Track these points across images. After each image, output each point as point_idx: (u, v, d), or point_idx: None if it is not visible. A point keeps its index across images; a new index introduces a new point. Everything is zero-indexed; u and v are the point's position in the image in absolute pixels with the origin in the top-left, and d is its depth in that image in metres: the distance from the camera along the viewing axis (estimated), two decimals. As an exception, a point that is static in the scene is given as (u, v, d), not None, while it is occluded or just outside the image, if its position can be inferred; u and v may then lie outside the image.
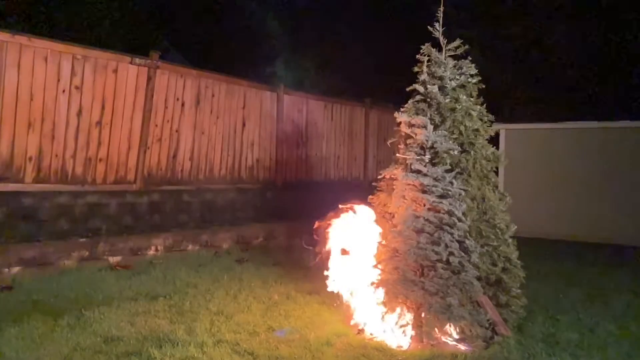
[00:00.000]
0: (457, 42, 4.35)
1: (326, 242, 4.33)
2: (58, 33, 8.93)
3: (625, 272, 6.67)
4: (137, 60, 7.04)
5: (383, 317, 3.97)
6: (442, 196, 3.90)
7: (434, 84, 4.23)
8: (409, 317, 3.90)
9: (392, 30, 14.69)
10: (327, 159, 10.39)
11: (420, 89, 4.28)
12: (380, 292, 3.99)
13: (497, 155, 4.46)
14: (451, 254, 3.79)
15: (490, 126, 4.50)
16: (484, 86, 4.46)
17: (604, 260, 7.49)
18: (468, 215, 4.05)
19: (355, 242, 4.31)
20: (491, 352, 3.73)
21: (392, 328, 3.94)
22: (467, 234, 3.94)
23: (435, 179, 3.92)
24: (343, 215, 4.37)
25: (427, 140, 4.02)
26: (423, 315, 3.83)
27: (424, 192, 3.92)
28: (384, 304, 3.96)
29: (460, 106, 4.28)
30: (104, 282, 5.46)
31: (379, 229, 4.25)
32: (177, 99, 7.59)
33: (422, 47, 4.31)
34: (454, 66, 4.35)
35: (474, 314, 3.83)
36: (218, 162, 8.24)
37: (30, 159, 6.04)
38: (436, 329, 3.81)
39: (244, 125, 8.65)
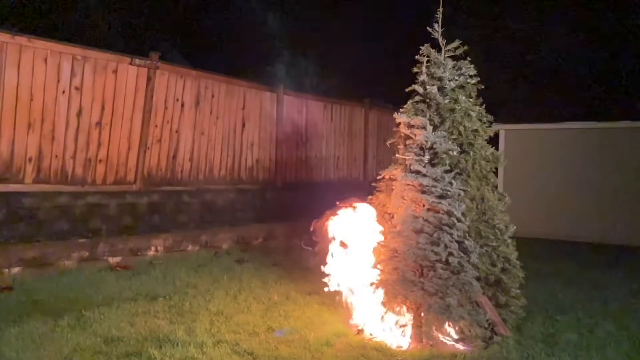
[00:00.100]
0: (456, 43, 4.36)
1: (325, 237, 4.32)
2: (58, 33, 8.92)
3: (625, 273, 6.67)
4: (137, 60, 7.04)
5: (382, 317, 3.99)
6: (441, 196, 3.90)
7: (433, 85, 4.24)
8: (408, 317, 3.91)
9: (392, 30, 14.69)
10: (326, 159, 10.39)
11: (420, 89, 4.29)
12: (380, 292, 4.00)
13: (496, 156, 4.46)
14: (450, 254, 3.79)
15: (490, 127, 4.50)
16: (483, 87, 4.46)
17: (604, 261, 7.49)
18: (467, 215, 4.06)
19: (354, 238, 4.30)
20: (490, 352, 3.74)
21: (392, 328, 3.95)
22: (467, 235, 3.94)
23: (435, 180, 3.93)
24: (342, 212, 4.37)
25: (426, 141, 4.02)
26: (422, 315, 3.83)
27: (423, 192, 3.93)
28: (384, 304, 3.96)
29: (460, 107, 4.28)
30: (103, 282, 5.47)
31: (378, 227, 4.25)
32: (177, 100, 7.60)
33: (422, 47, 4.32)
34: (453, 67, 4.36)
35: (473, 314, 3.84)
36: (218, 163, 8.24)
37: (30, 159, 6.04)
38: (435, 329, 3.81)
39: (243, 125, 8.65)
